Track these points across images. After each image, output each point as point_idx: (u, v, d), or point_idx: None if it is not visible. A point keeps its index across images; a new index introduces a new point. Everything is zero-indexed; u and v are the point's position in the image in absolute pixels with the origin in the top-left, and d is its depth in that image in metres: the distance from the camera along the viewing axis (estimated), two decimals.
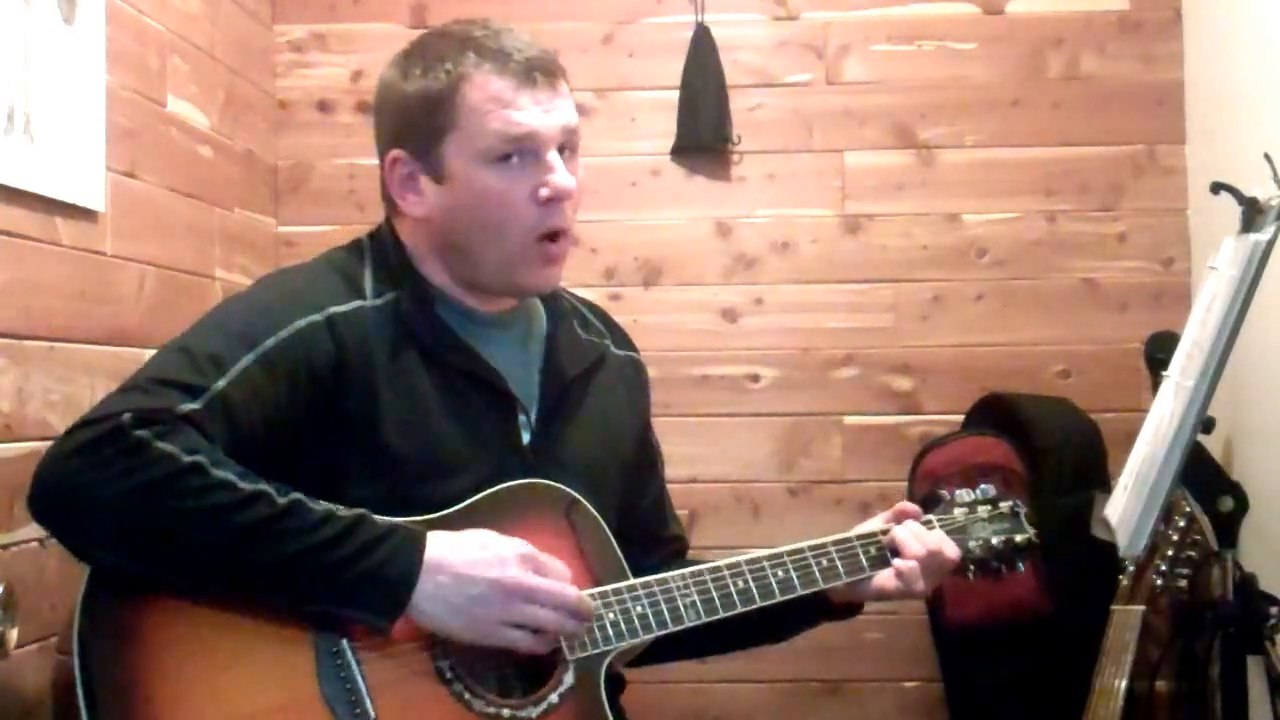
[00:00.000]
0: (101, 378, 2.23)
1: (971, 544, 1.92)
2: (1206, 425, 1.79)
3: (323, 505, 1.57)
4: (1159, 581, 2.24)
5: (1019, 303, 3.05)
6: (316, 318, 1.67)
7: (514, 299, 1.81)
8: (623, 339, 1.98)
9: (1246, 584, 2.14)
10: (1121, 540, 1.81)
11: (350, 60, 3.13)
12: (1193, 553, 2.23)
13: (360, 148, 3.13)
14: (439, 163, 1.73)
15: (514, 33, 1.76)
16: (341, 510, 1.58)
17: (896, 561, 1.84)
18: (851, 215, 3.08)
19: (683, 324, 3.07)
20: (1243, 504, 2.23)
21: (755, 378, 3.08)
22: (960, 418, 2.98)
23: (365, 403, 1.67)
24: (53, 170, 2.07)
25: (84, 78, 2.16)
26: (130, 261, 2.36)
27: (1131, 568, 2.28)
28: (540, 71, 1.72)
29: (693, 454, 3.02)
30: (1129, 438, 1.98)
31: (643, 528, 1.93)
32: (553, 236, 1.74)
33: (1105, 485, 2.67)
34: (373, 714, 1.56)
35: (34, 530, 2.00)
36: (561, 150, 1.74)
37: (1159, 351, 2.35)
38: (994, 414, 2.91)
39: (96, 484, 1.50)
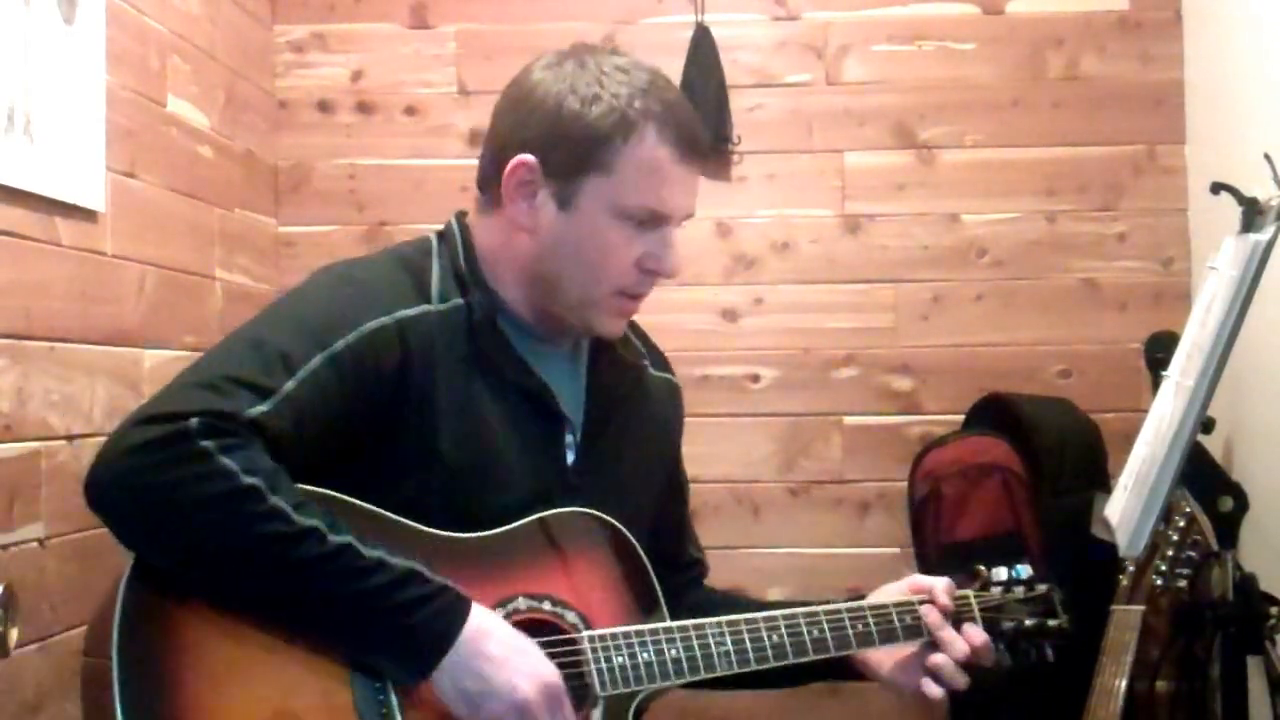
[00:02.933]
0: (102, 378, 2.23)
1: (1006, 624, 1.89)
2: (1206, 425, 1.79)
3: (374, 553, 1.54)
4: (1159, 581, 2.25)
5: (1019, 303, 3.05)
6: (386, 320, 1.67)
7: (576, 333, 1.82)
8: (660, 360, 2.00)
9: (1246, 584, 2.14)
10: (1121, 540, 1.81)
11: (350, 60, 3.13)
12: (1193, 553, 2.23)
13: (360, 148, 3.15)
14: (572, 193, 1.72)
15: (681, 92, 1.79)
16: (393, 560, 1.55)
17: (934, 657, 1.83)
18: (851, 215, 3.08)
19: (683, 324, 3.06)
20: (1243, 504, 2.23)
21: (755, 378, 3.08)
22: (960, 418, 2.97)
23: (423, 410, 1.67)
24: (53, 170, 2.07)
25: (84, 78, 2.16)
26: (130, 261, 2.36)
27: (1131, 568, 2.28)
28: (697, 150, 1.76)
29: (693, 454, 2.97)
30: (1129, 438, 1.97)
31: (662, 551, 1.92)
32: (635, 296, 1.78)
33: (1105, 485, 2.67)
34: None
35: (34, 530, 2.01)
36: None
37: (1159, 351, 2.35)
38: (994, 414, 2.91)
39: (153, 487, 1.50)
